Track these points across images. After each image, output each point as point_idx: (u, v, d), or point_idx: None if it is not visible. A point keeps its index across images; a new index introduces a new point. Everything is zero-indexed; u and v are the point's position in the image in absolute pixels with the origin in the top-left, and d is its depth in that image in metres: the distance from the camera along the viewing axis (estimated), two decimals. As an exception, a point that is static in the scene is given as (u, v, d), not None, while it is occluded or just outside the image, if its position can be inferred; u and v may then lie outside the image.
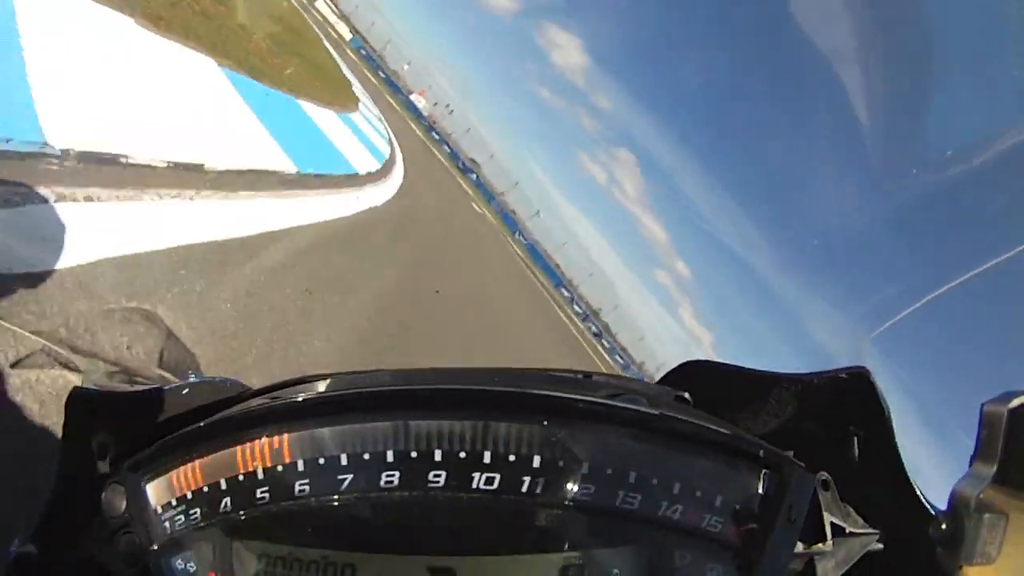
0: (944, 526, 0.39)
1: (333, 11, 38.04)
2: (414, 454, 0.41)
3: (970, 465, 0.40)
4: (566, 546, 0.40)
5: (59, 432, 0.47)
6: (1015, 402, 0.37)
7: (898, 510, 0.44)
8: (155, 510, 0.44)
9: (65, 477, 0.47)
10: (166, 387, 0.50)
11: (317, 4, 30.93)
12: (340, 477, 0.41)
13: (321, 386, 0.49)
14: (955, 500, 0.39)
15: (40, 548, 0.45)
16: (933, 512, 0.42)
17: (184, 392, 0.50)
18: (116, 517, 0.45)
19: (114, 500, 0.45)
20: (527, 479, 0.40)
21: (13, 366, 1.89)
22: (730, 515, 0.41)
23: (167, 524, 0.44)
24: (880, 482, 0.45)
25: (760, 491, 0.41)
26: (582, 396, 0.43)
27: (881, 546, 0.45)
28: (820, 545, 0.43)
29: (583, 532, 0.40)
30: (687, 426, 0.42)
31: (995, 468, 0.38)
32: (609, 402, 0.43)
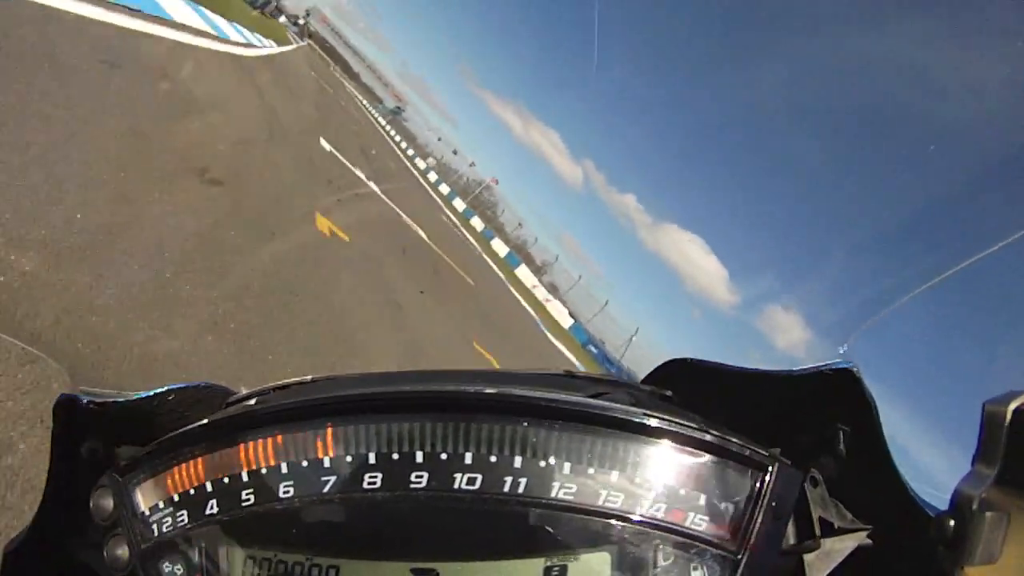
0: (946, 526, 0.38)
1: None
2: (396, 456, 0.41)
3: (972, 465, 0.39)
4: (548, 546, 0.40)
5: (47, 438, 0.47)
6: (1018, 401, 0.36)
7: (889, 506, 0.43)
8: (143, 513, 0.45)
9: (55, 482, 0.47)
10: (152, 392, 0.51)
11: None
12: (323, 479, 0.41)
13: (304, 390, 0.50)
14: (957, 500, 0.38)
15: (30, 551, 0.46)
16: (924, 507, 0.42)
17: (170, 397, 0.51)
18: (105, 520, 0.46)
19: (102, 504, 0.46)
20: (508, 479, 0.40)
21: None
22: (715, 513, 0.40)
23: (155, 527, 0.44)
24: (869, 478, 0.44)
25: (745, 489, 0.41)
26: (563, 397, 0.43)
27: (871, 542, 0.44)
28: (809, 542, 0.43)
29: (566, 532, 0.40)
30: (670, 426, 0.42)
31: (997, 468, 0.37)
32: (591, 402, 0.43)
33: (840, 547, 0.44)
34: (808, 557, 0.43)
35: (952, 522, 0.38)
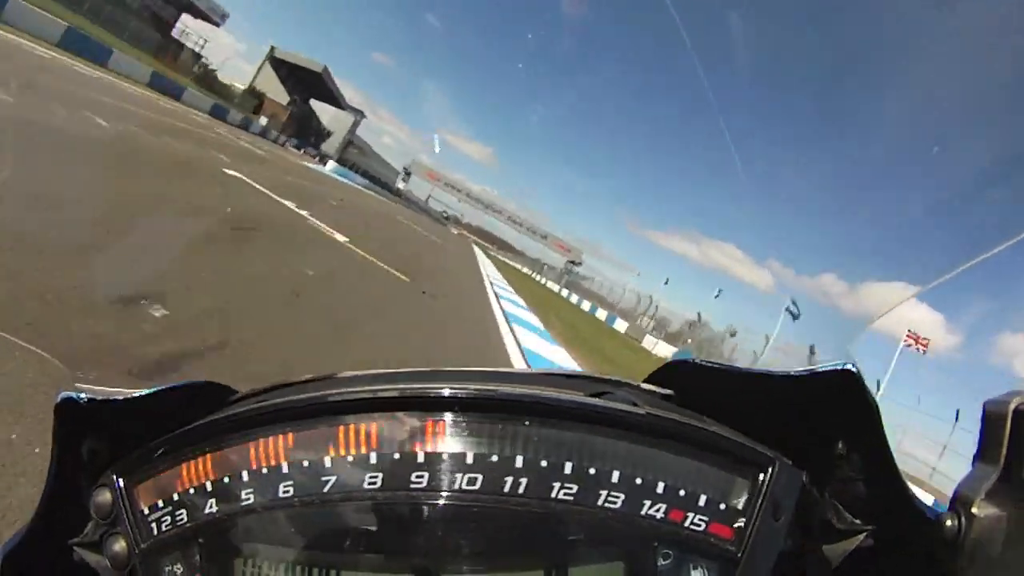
0: (947, 525, 0.38)
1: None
2: (397, 456, 0.41)
3: (973, 464, 0.39)
4: (548, 546, 0.40)
5: (48, 437, 0.47)
6: (1018, 401, 0.36)
7: (889, 507, 0.43)
8: (142, 512, 0.45)
9: (55, 481, 0.47)
10: (152, 391, 0.51)
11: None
12: (324, 479, 0.41)
13: (305, 390, 0.49)
14: (958, 499, 0.38)
15: (30, 551, 0.46)
16: (923, 508, 0.42)
17: (171, 395, 0.51)
18: (105, 519, 0.46)
19: (102, 502, 0.46)
20: (509, 479, 0.40)
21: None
22: (714, 513, 0.40)
23: (154, 526, 0.44)
24: (870, 479, 0.44)
25: (745, 488, 0.41)
26: (565, 396, 0.42)
27: (871, 542, 0.44)
28: (809, 543, 0.43)
29: (565, 532, 0.40)
30: (671, 425, 0.42)
31: (999, 468, 0.37)
32: (593, 402, 0.42)
33: (840, 548, 0.44)
34: (808, 558, 0.43)
35: (953, 522, 0.38)
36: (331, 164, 42.07)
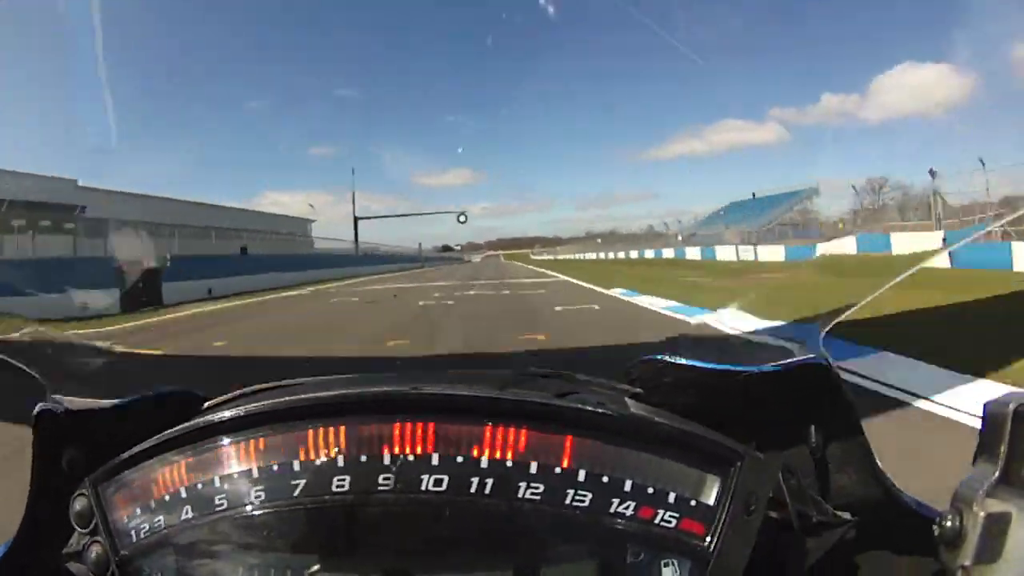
0: (947, 525, 0.37)
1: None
2: (363, 458, 0.41)
3: (973, 464, 0.38)
4: (516, 547, 0.40)
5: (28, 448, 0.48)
6: (1018, 402, 0.35)
7: (871, 499, 0.43)
8: (121, 519, 0.45)
9: (38, 492, 0.48)
10: (129, 400, 0.51)
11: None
12: (294, 483, 0.41)
13: (275, 394, 0.49)
14: (958, 499, 0.37)
15: (16, 562, 0.47)
16: (908, 500, 0.41)
17: (147, 404, 0.51)
18: (85, 527, 0.47)
19: (82, 512, 0.46)
20: (475, 480, 0.39)
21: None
22: (684, 510, 0.40)
23: (132, 533, 0.45)
24: (848, 471, 0.44)
25: (715, 484, 0.40)
26: (530, 397, 0.42)
27: (854, 534, 0.43)
28: (785, 534, 0.43)
29: (534, 531, 0.40)
30: (637, 423, 0.42)
31: (999, 468, 0.36)
32: (557, 402, 0.42)
33: (821, 541, 0.43)
34: (787, 551, 0.43)
35: (953, 521, 0.37)
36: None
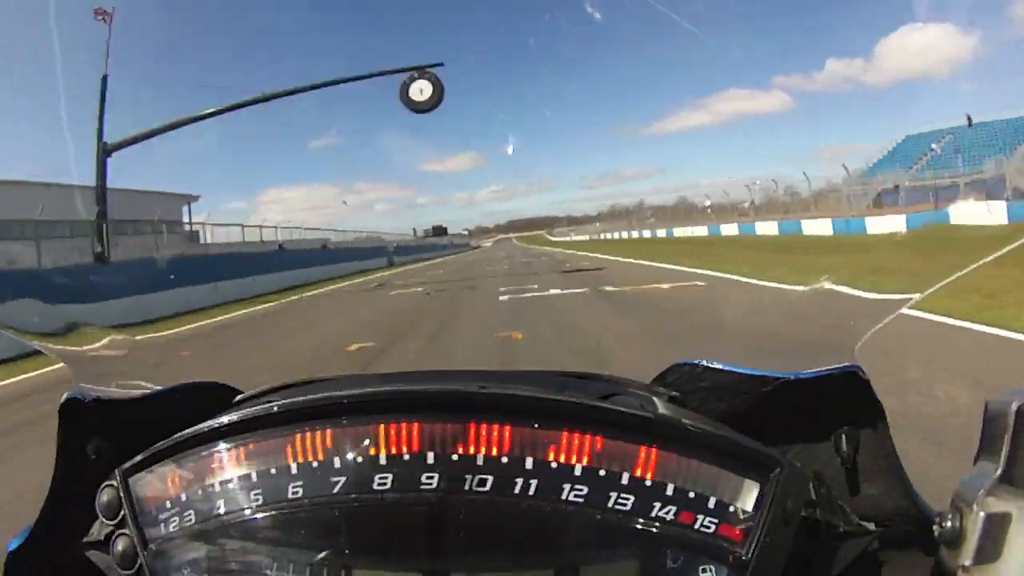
0: (948, 525, 0.38)
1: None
2: (407, 457, 0.41)
3: (974, 463, 0.39)
4: (558, 548, 0.40)
5: (55, 436, 0.47)
6: (1020, 401, 0.36)
7: (895, 509, 0.43)
8: (151, 512, 0.45)
9: (62, 480, 0.47)
10: (157, 391, 0.51)
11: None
12: (333, 480, 0.41)
13: (309, 390, 0.49)
14: (959, 499, 0.38)
15: (35, 549, 0.46)
16: (929, 511, 0.41)
17: (176, 396, 0.51)
18: (111, 519, 0.46)
19: (109, 503, 0.46)
20: (519, 481, 0.40)
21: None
22: (723, 516, 0.40)
23: (161, 526, 0.44)
24: (876, 482, 0.44)
25: (754, 491, 0.41)
26: (575, 399, 0.42)
27: (878, 544, 0.44)
28: (816, 544, 0.43)
29: (576, 533, 0.40)
30: (680, 428, 0.42)
31: (1000, 467, 0.37)
32: (600, 404, 0.42)
33: (847, 550, 0.44)
34: (815, 560, 0.43)
35: (954, 521, 0.38)
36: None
